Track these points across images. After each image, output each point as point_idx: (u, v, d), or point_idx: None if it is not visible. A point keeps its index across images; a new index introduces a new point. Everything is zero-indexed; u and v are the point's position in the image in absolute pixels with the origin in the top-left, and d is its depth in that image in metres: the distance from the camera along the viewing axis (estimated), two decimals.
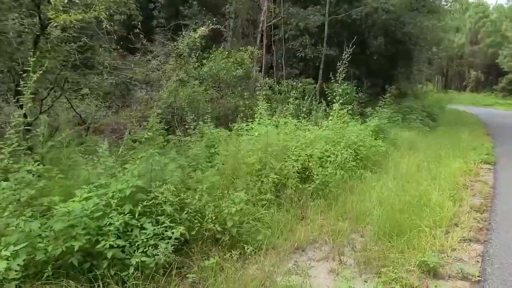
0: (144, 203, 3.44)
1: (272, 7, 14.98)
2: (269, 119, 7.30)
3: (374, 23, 15.40)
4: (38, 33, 5.06)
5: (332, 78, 8.45)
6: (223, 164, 5.52)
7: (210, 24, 8.80)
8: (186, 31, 8.61)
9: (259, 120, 6.92)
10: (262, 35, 14.63)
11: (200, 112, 8.18)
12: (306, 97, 13.80)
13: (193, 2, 16.19)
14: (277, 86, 13.41)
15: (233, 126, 7.39)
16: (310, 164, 5.95)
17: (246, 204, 4.27)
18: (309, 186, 5.56)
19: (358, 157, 7.09)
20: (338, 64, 8.09)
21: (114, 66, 8.08)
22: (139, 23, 7.43)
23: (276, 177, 5.15)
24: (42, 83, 5.43)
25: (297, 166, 5.63)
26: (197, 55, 9.80)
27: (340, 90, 7.65)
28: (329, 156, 6.27)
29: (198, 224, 3.82)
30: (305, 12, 14.39)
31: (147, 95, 8.91)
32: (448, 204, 5.36)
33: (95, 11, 4.25)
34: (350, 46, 8.66)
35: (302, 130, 7.33)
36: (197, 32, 8.81)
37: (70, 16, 4.13)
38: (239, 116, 7.43)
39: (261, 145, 5.90)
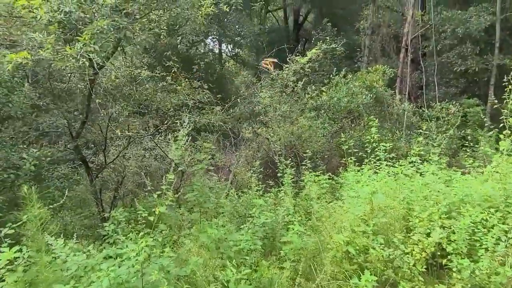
0: None
1: (419, 14, 12.25)
2: (390, 165, 5.09)
3: None
4: (92, 78, 4.46)
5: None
6: (302, 239, 3.77)
7: (323, 45, 7.20)
8: (291, 55, 7.22)
9: (368, 168, 4.83)
10: (406, 49, 12.06)
11: (309, 153, 6.50)
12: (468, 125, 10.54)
13: (327, 24, 14.87)
14: (426, 111, 10.60)
15: (340, 174, 5.51)
16: (450, 247, 3.57)
17: None
18: None
19: None
20: None
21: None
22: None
23: (379, 277, 3.09)
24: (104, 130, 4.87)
25: (422, 253, 3.40)
26: (310, 81, 8.30)
27: None
28: (488, 232, 3.68)
29: None
30: (465, 14, 11.17)
31: (252, 133, 7.86)
32: None
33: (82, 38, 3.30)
34: None
35: (444, 182, 4.81)
36: (306, 56, 7.34)
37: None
38: (348, 157, 5.47)
39: (364, 211, 3.89)
